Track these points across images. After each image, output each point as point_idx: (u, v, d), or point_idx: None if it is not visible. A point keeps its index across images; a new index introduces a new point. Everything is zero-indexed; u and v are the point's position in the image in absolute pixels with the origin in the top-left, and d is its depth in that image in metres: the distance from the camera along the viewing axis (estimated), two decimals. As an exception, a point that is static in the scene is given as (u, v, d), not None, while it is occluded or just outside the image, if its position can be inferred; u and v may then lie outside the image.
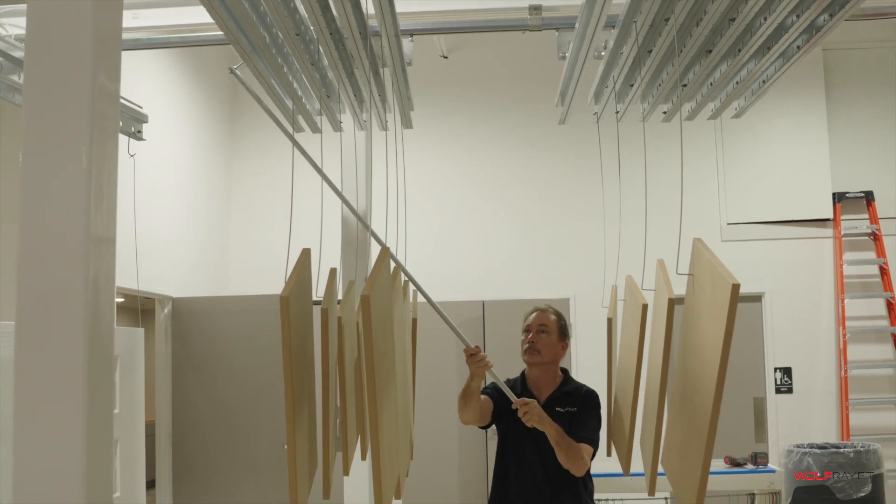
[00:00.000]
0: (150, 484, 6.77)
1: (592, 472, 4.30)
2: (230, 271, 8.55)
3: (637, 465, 3.86)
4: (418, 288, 4.04)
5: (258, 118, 8.72)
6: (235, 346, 6.96)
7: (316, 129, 4.75)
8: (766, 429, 8.11)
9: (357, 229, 5.32)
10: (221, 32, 4.40)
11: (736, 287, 2.50)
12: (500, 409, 4.26)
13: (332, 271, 3.15)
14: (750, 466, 6.19)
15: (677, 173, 7.88)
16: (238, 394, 6.98)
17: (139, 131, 5.06)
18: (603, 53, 4.12)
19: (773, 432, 8.07)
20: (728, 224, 8.26)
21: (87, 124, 1.89)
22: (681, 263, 3.10)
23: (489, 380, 4.15)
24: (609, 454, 4.56)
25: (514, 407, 4.05)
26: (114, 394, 1.95)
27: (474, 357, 3.88)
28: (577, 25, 3.83)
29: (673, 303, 3.02)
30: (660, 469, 3.43)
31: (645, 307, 3.37)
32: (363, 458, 3.93)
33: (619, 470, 4.35)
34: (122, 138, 4.89)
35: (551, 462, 4.10)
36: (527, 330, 4.32)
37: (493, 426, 4.34)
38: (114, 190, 1.99)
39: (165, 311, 7.02)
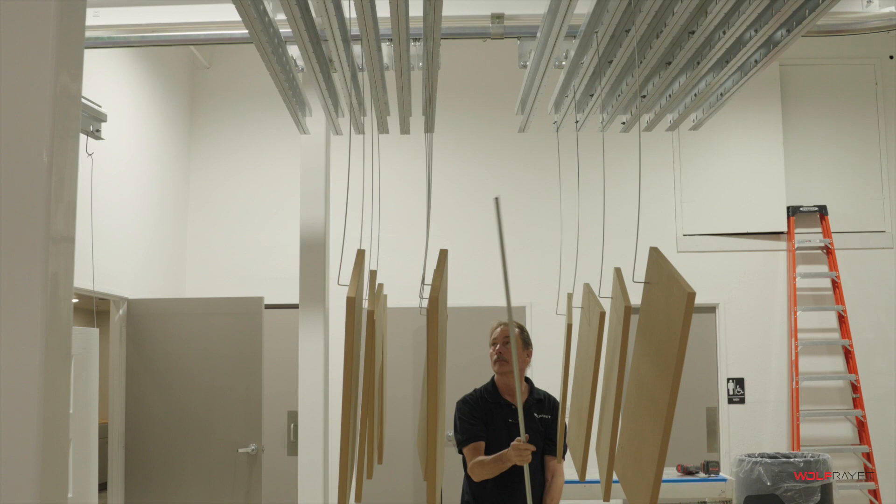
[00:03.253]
0: (103, 486, 6.71)
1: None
2: (186, 273, 8.49)
3: (592, 471, 3.90)
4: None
5: (217, 120, 8.69)
6: (190, 348, 6.92)
7: (359, 130, 4.76)
8: (718, 438, 8.19)
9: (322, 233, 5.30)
10: (181, 33, 4.41)
11: (692, 296, 2.53)
12: (486, 428, 4.53)
13: (360, 253, 3.11)
14: (702, 475, 6.26)
15: (635, 184, 7.95)
16: (192, 396, 6.94)
17: (98, 130, 5.03)
18: (564, 63, 4.15)
19: (724, 442, 8.15)
20: (684, 235, 8.34)
21: (48, 122, 1.88)
22: (637, 272, 3.13)
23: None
24: (561, 460, 4.61)
25: (516, 442, 4.23)
26: (69, 394, 1.94)
27: (521, 450, 4.13)
28: (538, 35, 3.86)
29: (630, 310, 3.05)
30: (614, 476, 3.46)
31: (603, 315, 3.40)
32: (380, 461, 4.05)
33: (573, 476, 4.40)
34: (80, 137, 4.85)
35: (532, 473, 4.33)
36: (493, 343, 4.58)
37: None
38: (74, 189, 1.98)
39: (120, 312, 6.96)
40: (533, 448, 4.18)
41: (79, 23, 2.05)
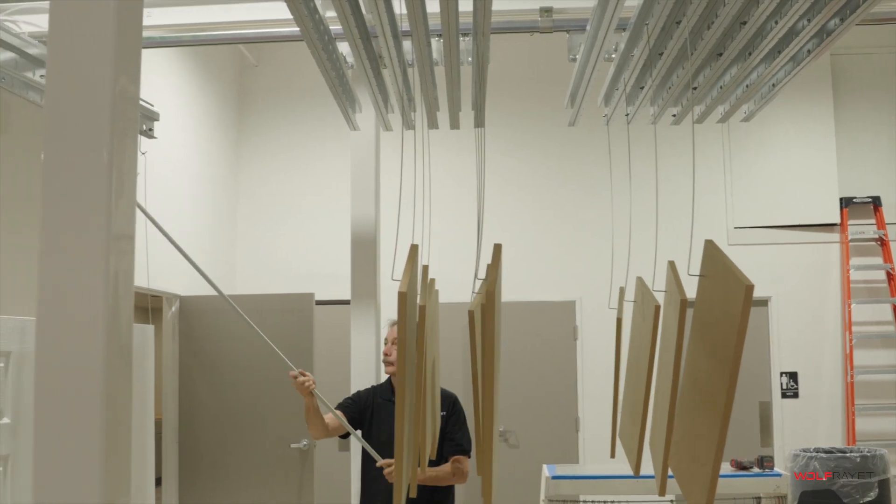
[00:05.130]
0: (157, 482, 6.79)
1: (600, 473, 4.39)
2: (237, 270, 8.57)
3: (645, 467, 3.87)
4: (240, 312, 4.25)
5: (265, 117, 8.75)
6: (242, 344, 6.97)
7: (409, 126, 4.78)
8: (772, 433, 8.11)
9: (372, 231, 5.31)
10: (232, 32, 4.45)
11: (750, 288, 2.51)
12: (357, 417, 4.59)
13: (413, 248, 3.12)
14: (756, 470, 6.19)
15: (684, 178, 7.89)
16: (244, 392, 6.99)
17: (150, 129, 5.08)
18: (613, 56, 4.13)
19: (778, 436, 8.07)
20: (735, 228, 8.26)
21: (108, 123, 1.91)
22: (691, 265, 3.11)
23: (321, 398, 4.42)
24: (613, 455, 4.58)
25: (378, 465, 4.37)
26: (131, 392, 1.97)
27: (297, 380, 4.26)
28: (588, 28, 3.84)
29: (685, 304, 3.02)
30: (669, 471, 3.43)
31: (657, 308, 3.38)
32: (433, 456, 4.09)
33: (626, 472, 4.36)
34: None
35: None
36: (385, 342, 4.64)
37: (357, 434, 4.60)
38: (133, 187, 2.00)
39: (173, 309, 7.04)
40: (304, 378, 4.26)
41: (136, 27, 2.08)
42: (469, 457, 4.43)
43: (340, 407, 4.58)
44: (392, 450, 4.32)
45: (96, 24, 1.94)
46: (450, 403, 4.55)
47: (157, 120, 5.16)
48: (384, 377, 5.53)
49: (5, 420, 3.81)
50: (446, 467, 4.37)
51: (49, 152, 1.91)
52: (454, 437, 4.46)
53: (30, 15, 4.19)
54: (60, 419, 1.85)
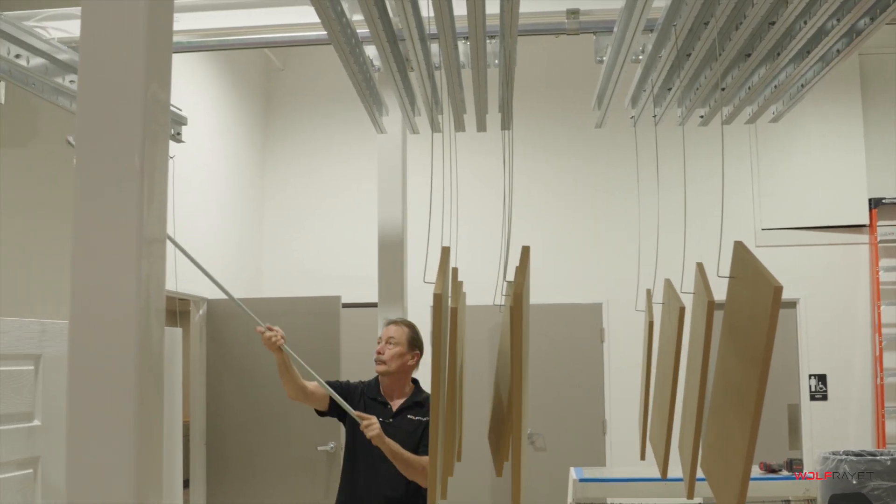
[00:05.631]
0: (185, 484, 6.82)
1: (628, 476, 4.34)
2: (263, 273, 8.61)
3: (673, 470, 3.86)
4: (204, 271, 4.18)
5: (291, 121, 8.78)
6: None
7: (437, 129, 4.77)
8: (801, 436, 8.06)
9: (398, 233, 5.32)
10: (259, 36, 4.46)
11: (779, 290, 2.49)
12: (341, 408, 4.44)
13: (445, 251, 3.12)
14: (785, 473, 6.16)
15: (710, 179, 7.86)
16: (271, 395, 7.01)
17: (178, 133, 5.11)
18: (641, 57, 4.11)
19: (807, 439, 8.02)
20: (762, 229, 8.22)
21: (139, 128, 1.92)
22: (718, 266, 3.09)
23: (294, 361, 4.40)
24: (643, 458, 4.56)
25: (355, 416, 4.26)
26: (162, 395, 1.98)
27: (264, 336, 4.21)
28: (615, 29, 3.83)
29: (713, 306, 3.01)
30: (698, 473, 3.42)
31: (682, 310, 3.37)
32: (459, 459, 4.04)
33: (656, 474, 4.35)
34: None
35: (399, 474, 4.27)
36: (378, 341, 4.55)
37: (326, 385, 4.47)
38: (164, 192, 2.02)
39: (200, 312, 7.08)
40: (272, 333, 4.20)
41: (167, 34, 2.10)
42: None
43: (329, 384, 4.49)
44: (368, 449, 4.29)
45: (127, 31, 1.96)
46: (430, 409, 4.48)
47: (185, 124, 5.19)
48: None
49: (36, 422, 3.84)
50: (422, 459, 4.28)
51: (81, 157, 1.93)
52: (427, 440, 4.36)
53: (59, 21, 4.22)
54: (93, 421, 1.87)
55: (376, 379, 4.60)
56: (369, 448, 4.30)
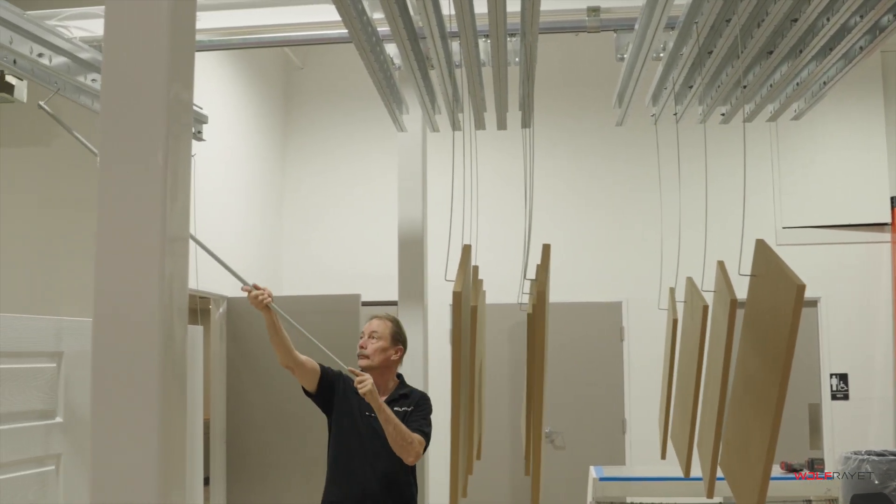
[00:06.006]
0: (205, 481, 6.84)
1: (648, 475, 4.32)
2: (283, 271, 8.63)
3: (694, 469, 3.85)
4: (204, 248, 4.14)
5: (311, 119, 8.80)
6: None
7: (459, 127, 4.77)
8: (822, 435, 8.02)
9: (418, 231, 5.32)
10: (279, 35, 4.48)
11: (801, 288, 2.49)
12: (328, 386, 4.45)
13: (466, 249, 3.12)
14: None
15: (730, 177, 7.83)
16: (291, 393, 7.00)
17: (199, 132, 5.13)
18: (662, 55, 4.10)
19: (828, 439, 7.98)
20: (783, 228, 8.18)
21: (163, 128, 1.94)
22: (740, 265, 3.08)
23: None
24: (664, 457, 4.55)
25: (347, 373, 4.29)
26: (186, 393, 1.99)
27: (251, 294, 4.13)
28: (636, 27, 3.82)
29: (735, 304, 3.00)
30: (718, 473, 3.41)
31: (706, 309, 3.36)
32: (479, 457, 4.02)
33: (675, 473, 4.34)
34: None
35: (383, 461, 4.25)
36: (360, 336, 4.52)
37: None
38: (187, 190, 2.03)
39: (221, 310, 7.10)
40: (259, 292, 4.12)
41: (189, 34, 2.11)
42: (426, 444, 4.31)
43: (322, 367, 4.47)
44: (353, 439, 4.31)
45: (151, 31, 1.97)
46: (416, 399, 4.43)
47: (206, 123, 5.21)
48: (434, 378, 5.51)
49: (58, 419, 3.86)
50: (413, 434, 4.24)
51: (105, 156, 1.94)
52: (416, 423, 4.28)
53: (81, 20, 4.25)
54: (117, 418, 1.88)
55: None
56: (352, 435, 4.33)
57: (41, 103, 3.91)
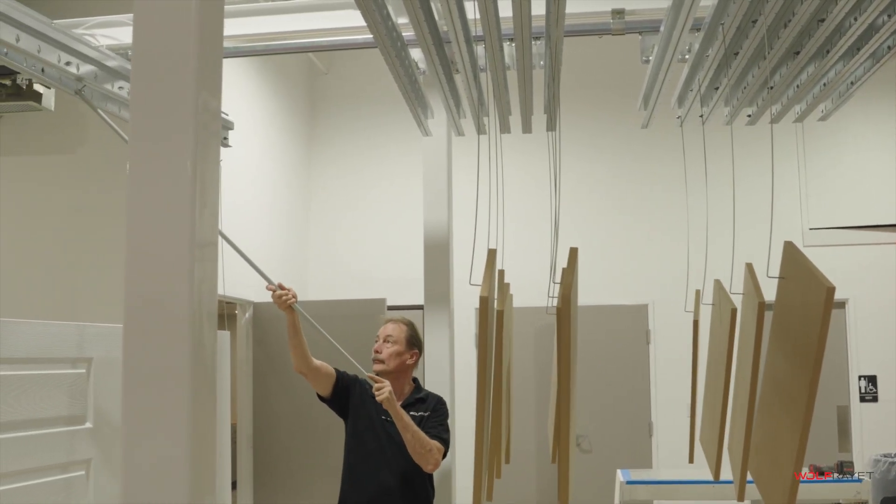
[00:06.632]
0: (232, 485, 6.87)
1: (675, 478, 4.31)
2: (309, 276, 8.65)
3: (724, 472, 3.82)
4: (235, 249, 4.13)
5: (336, 124, 8.83)
6: (315, 350, 7.00)
7: (483, 131, 4.77)
8: (850, 438, 7.96)
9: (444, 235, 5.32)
10: (304, 41, 4.49)
11: (831, 290, 2.47)
12: (343, 390, 4.43)
13: (492, 253, 3.11)
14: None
15: (756, 178, 7.78)
16: (316, 399, 7.03)
17: (225, 138, 5.15)
18: (687, 56, 4.09)
19: (857, 441, 7.92)
20: (810, 229, 8.13)
21: (192, 136, 1.95)
22: (768, 267, 3.07)
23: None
24: (691, 461, 4.53)
25: (367, 380, 4.25)
26: (216, 399, 1.99)
27: (275, 294, 4.14)
28: (662, 29, 3.80)
29: (763, 307, 2.99)
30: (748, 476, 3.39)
31: (734, 312, 3.34)
32: (507, 461, 3.99)
33: (703, 477, 4.31)
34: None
35: (399, 466, 4.22)
36: (376, 340, 4.46)
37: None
38: (216, 196, 2.04)
39: (247, 315, 7.12)
40: (283, 292, 4.14)
41: (217, 43, 2.12)
42: (445, 450, 4.27)
43: (338, 371, 4.46)
44: (370, 443, 4.29)
45: (179, 39, 1.98)
46: (433, 403, 4.39)
47: (232, 129, 5.23)
48: (460, 383, 5.49)
49: (87, 424, 3.89)
50: (431, 441, 4.20)
51: (134, 163, 1.95)
52: (434, 430, 4.24)
53: (107, 28, 4.28)
54: (148, 423, 1.89)
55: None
56: (369, 439, 4.31)
57: (78, 90, 3.92)
